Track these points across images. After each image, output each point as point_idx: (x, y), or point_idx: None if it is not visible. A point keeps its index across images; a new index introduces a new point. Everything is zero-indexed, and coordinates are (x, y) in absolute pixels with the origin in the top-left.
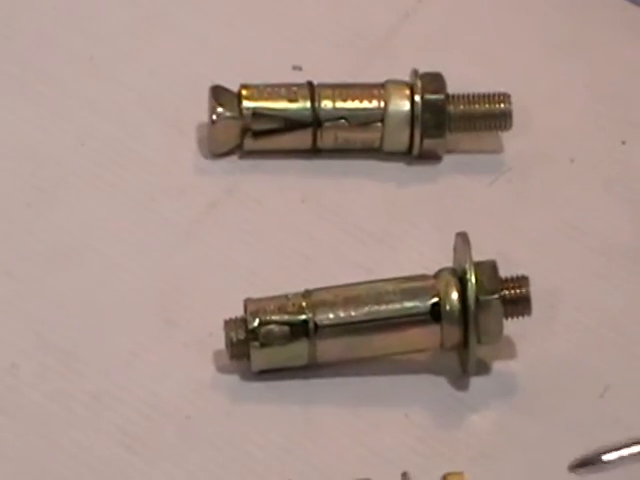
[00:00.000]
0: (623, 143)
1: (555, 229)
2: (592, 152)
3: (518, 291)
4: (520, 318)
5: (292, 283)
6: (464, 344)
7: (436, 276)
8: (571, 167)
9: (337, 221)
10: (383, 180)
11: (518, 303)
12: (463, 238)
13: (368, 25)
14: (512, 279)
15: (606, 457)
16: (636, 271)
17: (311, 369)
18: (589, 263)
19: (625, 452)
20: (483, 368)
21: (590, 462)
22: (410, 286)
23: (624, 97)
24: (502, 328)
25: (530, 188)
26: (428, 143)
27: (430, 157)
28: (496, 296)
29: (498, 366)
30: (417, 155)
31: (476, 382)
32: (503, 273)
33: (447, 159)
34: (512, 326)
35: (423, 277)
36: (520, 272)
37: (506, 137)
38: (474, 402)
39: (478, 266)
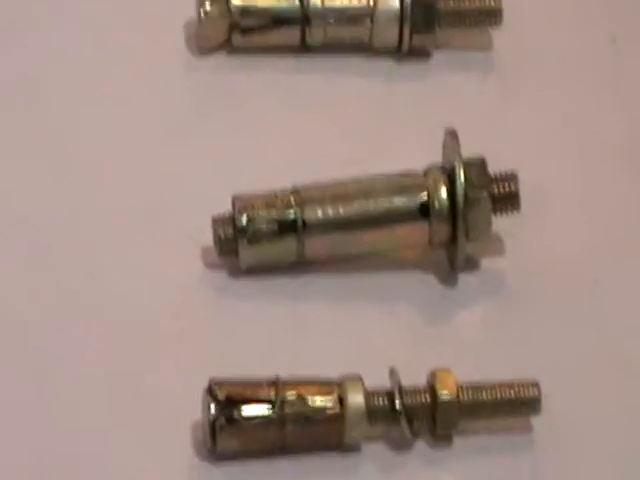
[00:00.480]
0: (613, 40)
1: (545, 126)
2: (582, 49)
3: (507, 187)
4: (509, 215)
5: (281, 180)
6: (452, 241)
7: (425, 173)
8: (561, 64)
9: (326, 118)
10: (372, 77)
11: (507, 200)
12: (452, 135)
13: None
14: (501, 176)
15: None
16: (625, 167)
17: (300, 266)
18: (578, 160)
19: None
20: (471, 265)
21: None
22: (399, 183)
23: None
24: (491, 225)
25: (520, 85)
26: (417, 39)
27: (420, 54)
28: (485, 193)
29: (486, 263)
30: (407, 51)
31: (464, 279)
32: (492, 170)
33: (437, 56)
34: (501, 223)
35: (412, 174)
36: (509, 169)
37: (496, 34)
38: (462, 299)
39: (467, 163)
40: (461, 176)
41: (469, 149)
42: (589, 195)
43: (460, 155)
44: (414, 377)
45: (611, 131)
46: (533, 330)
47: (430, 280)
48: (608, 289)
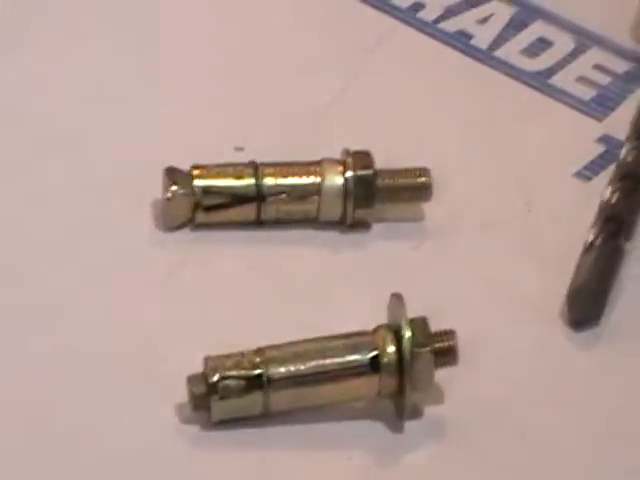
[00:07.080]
0: (527, 207)
1: (473, 285)
2: (500, 215)
3: (447, 343)
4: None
5: (246, 341)
6: (399, 392)
7: (374, 332)
8: (483, 230)
9: (282, 285)
10: (320, 247)
11: (447, 354)
12: (397, 298)
13: (302, 107)
14: (441, 333)
15: None
16: (541, 317)
17: (265, 418)
18: (502, 314)
19: None
20: (415, 412)
21: None
22: (351, 341)
23: (527, 166)
24: (433, 377)
25: (449, 250)
26: (359, 213)
27: (361, 226)
28: (428, 349)
29: (429, 410)
30: (349, 224)
31: (410, 425)
32: (432, 327)
33: (376, 227)
34: (441, 373)
35: (363, 333)
36: (446, 325)
37: (427, 205)
38: (409, 443)
39: (411, 322)
40: (407, 334)
41: (409, 308)
42: (513, 344)
43: (406, 316)
44: None
45: (529, 286)
46: (472, 468)
47: (380, 427)
48: (536, 432)
